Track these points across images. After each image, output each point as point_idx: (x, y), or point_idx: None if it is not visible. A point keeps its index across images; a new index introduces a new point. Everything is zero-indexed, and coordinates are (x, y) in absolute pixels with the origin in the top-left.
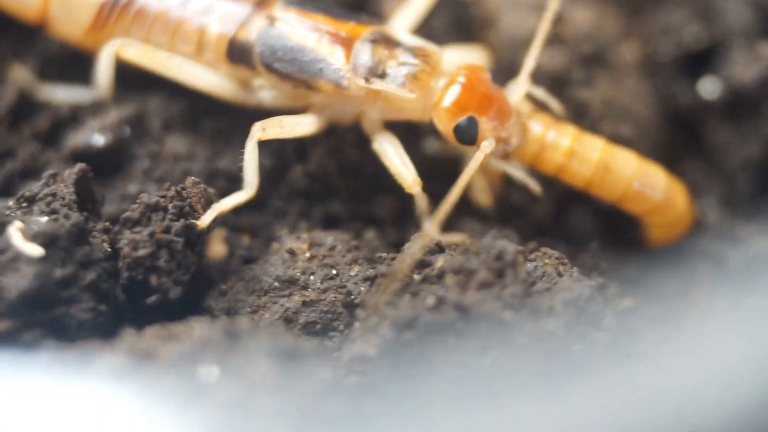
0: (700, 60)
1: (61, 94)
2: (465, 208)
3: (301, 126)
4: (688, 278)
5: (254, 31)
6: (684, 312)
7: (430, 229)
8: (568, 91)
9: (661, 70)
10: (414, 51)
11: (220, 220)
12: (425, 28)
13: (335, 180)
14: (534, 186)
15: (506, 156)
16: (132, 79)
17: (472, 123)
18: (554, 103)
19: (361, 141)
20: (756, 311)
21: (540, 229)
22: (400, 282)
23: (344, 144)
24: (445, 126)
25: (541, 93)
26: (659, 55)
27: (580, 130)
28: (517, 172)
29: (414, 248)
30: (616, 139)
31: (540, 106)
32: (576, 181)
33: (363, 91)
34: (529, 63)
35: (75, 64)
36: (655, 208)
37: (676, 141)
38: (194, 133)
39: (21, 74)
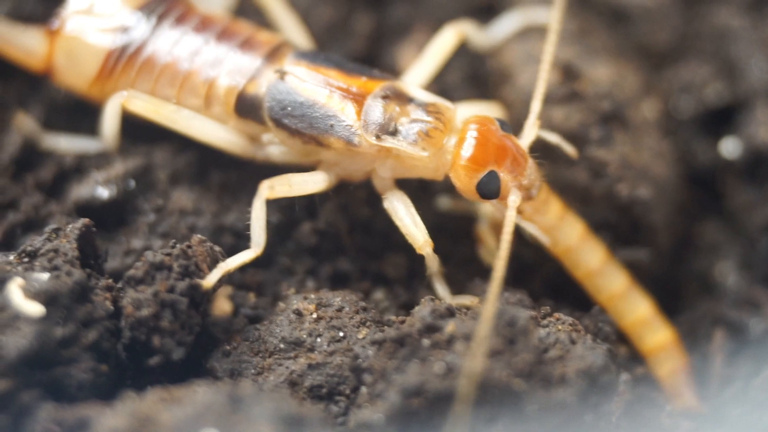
0: (722, 119)
1: (66, 145)
2: (476, 268)
3: (311, 184)
4: (705, 346)
5: (264, 85)
6: (701, 381)
7: (446, 297)
8: (586, 150)
9: (682, 128)
10: (427, 107)
11: (225, 278)
12: (440, 83)
13: (344, 237)
14: (545, 239)
15: (530, 200)
16: (139, 131)
17: (493, 177)
18: (568, 148)
19: (372, 197)
20: None
21: (552, 289)
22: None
23: (354, 200)
24: (466, 184)
25: (554, 138)
26: (680, 113)
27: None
28: (529, 227)
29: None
30: (635, 199)
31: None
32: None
33: (374, 149)
34: (536, 104)
35: (81, 113)
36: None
37: (696, 201)
38: (201, 187)
39: (25, 123)
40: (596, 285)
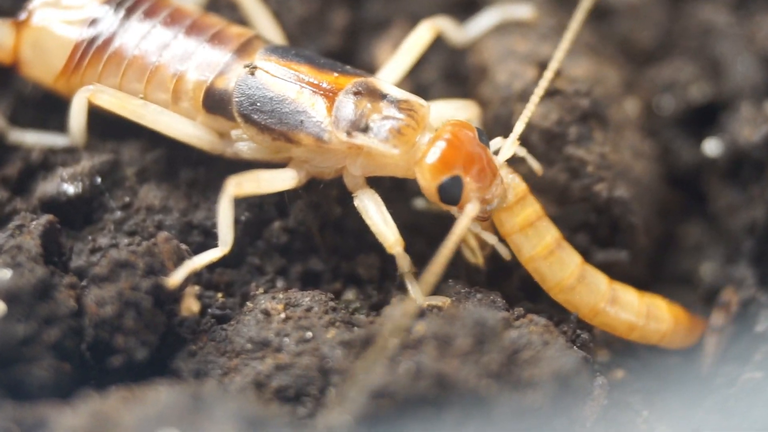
0: (705, 117)
1: (33, 139)
2: (452, 268)
3: (279, 181)
4: (686, 350)
5: (233, 80)
6: (681, 386)
7: (418, 298)
8: (564, 148)
9: (664, 127)
10: (399, 104)
11: (193, 277)
12: (418, 80)
13: (316, 237)
14: (504, 251)
15: (486, 218)
16: (108, 127)
17: (456, 183)
18: (535, 164)
19: (344, 196)
20: (754, 386)
21: (531, 291)
22: (381, 353)
23: (326, 199)
24: (428, 183)
25: (523, 152)
26: (662, 112)
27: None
28: (489, 237)
29: (397, 317)
30: (614, 200)
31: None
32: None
33: (345, 146)
34: (520, 126)
35: (49, 107)
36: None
37: (678, 202)
38: (169, 184)
39: None
40: (572, 301)
